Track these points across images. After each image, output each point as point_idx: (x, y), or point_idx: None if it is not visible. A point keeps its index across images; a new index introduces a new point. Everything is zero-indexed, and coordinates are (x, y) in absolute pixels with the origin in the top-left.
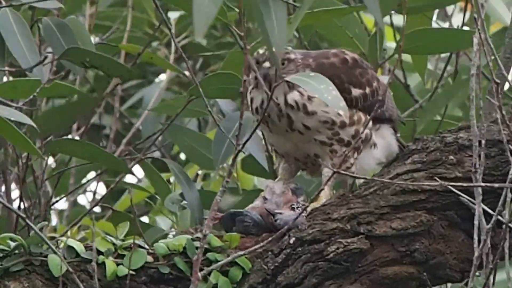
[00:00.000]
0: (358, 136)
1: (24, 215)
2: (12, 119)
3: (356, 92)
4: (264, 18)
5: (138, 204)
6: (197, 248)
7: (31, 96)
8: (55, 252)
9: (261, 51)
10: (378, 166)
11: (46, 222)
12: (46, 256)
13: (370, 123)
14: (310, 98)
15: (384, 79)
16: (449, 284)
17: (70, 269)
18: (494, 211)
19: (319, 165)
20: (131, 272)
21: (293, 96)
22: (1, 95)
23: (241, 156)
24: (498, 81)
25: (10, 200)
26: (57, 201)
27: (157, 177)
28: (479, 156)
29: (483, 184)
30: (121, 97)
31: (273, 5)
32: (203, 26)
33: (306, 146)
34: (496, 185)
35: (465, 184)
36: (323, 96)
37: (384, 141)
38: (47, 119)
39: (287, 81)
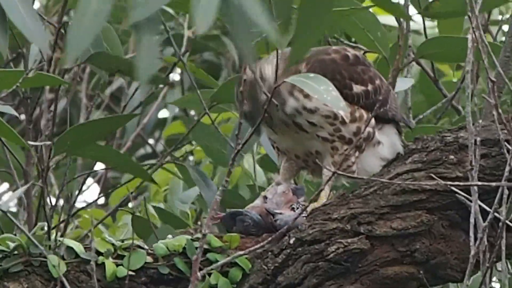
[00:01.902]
0: (359, 135)
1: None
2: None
3: (357, 88)
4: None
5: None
6: (197, 248)
7: (14, 87)
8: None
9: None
10: (383, 165)
11: (45, 223)
12: (45, 257)
13: (373, 121)
14: (307, 96)
15: (408, 81)
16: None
17: (61, 273)
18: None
19: (319, 165)
20: (131, 273)
21: (290, 104)
22: None
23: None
24: (494, 79)
25: (31, 203)
26: (80, 209)
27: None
28: (475, 154)
29: (479, 183)
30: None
31: (144, 40)
32: (74, 55)
33: (308, 142)
34: (493, 184)
35: (461, 183)
36: (322, 97)
37: (389, 139)
38: (72, 136)
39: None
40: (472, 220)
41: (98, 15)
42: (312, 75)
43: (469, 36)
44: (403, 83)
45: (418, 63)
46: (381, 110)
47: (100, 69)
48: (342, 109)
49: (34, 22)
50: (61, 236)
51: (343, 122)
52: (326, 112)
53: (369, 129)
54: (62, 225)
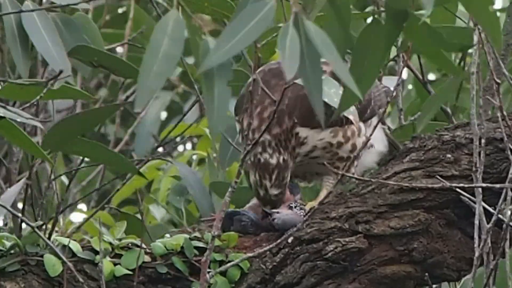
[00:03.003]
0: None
1: (20, 214)
2: (18, 120)
3: None
4: (206, 100)
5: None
6: (195, 247)
7: (38, 97)
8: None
9: None
10: (379, 156)
11: (40, 222)
12: (42, 256)
13: (363, 129)
14: (301, 143)
15: (394, 80)
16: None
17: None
18: (492, 209)
19: (319, 175)
20: (128, 272)
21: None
22: (8, 96)
23: None
24: (498, 81)
25: (16, 202)
26: (68, 206)
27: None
28: (479, 155)
29: (484, 184)
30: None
31: (217, 88)
32: (145, 99)
33: (308, 166)
34: (498, 185)
35: (466, 185)
36: (332, 100)
37: (378, 133)
38: (62, 129)
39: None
40: (476, 222)
41: (169, 58)
42: (323, 77)
43: (475, 37)
44: (389, 82)
45: (408, 66)
46: (367, 113)
47: (82, 63)
48: (352, 113)
49: (58, 51)
50: (50, 234)
51: (338, 146)
52: (323, 145)
53: (362, 139)
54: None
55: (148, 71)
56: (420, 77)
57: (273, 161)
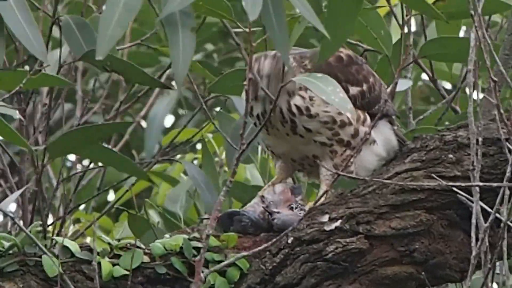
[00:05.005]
0: (364, 137)
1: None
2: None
3: (353, 90)
4: (170, 46)
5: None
6: (194, 248)
7: (18, 87)
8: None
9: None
10: (379, 161)
11: (40, 222)
12: (40, 257)
13: (368, 120)
14: (311, 99)
15: (406, 82)
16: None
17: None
18: (493, 209)
19: (317, 166)
20: (127, 272)
21: (295, 101)
22: None
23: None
24: (495, 79)
25: (26, 202)
26: (77, 206)
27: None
28: (477, 154)
29: (481, 183)
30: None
31: (181, 34)
32: (106, 47)
33: (305, 147)
34: (495, 184)
35: (463, 184)
36: (330, 98)
37: (383, 136)
38: (71, 138)
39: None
40: (473, 221)
41: (129, 8)
42: (320, 75)
43: (472, 34)
44: (402, 84)
45: (417, 63)
46: (375, 108)
47: (94, 67)
48: (349, 111)
49: (33, 32)
50: (58, 234)
51: (341, 125)
52: (325, 118)
53: (365, 129)
54: (58, 224)
55: (110, 20)
56: (430, 74)
57: None
